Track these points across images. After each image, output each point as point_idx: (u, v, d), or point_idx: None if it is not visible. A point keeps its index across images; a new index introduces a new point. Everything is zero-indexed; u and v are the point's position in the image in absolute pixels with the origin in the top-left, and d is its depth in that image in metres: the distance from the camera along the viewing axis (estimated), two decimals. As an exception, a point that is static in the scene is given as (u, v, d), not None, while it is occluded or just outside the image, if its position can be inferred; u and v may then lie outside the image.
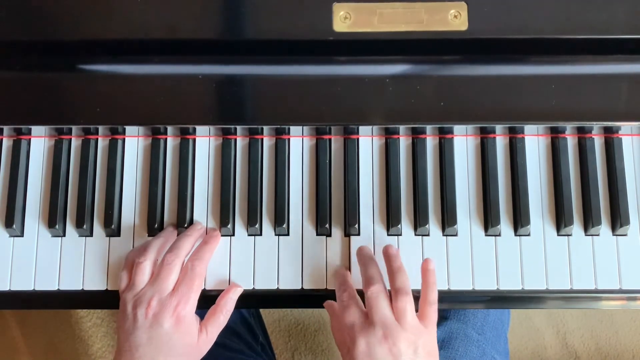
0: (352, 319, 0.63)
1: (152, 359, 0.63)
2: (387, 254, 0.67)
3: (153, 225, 0.71)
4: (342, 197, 0.72)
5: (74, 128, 0.73)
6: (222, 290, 0.69)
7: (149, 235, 0.72)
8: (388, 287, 0.65)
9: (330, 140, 0.73)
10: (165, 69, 0.69)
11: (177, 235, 0.71)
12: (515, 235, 0.71)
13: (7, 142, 0.74)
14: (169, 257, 0.66)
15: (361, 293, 0.66)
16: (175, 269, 0.66)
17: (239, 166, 0.73)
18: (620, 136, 0.72)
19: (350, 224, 0.71)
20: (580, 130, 0.73)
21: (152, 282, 0.65)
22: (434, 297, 0.65)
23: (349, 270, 0.70)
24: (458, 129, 0.73)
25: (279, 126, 0.72)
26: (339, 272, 0.69)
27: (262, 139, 0.73)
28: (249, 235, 0.72)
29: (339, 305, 0.65)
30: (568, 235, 0.71)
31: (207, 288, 0.69)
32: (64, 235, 0.72)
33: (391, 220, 0.71)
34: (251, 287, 0.71)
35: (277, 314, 1.42)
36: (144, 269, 0.66)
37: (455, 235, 0.71)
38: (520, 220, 0.70)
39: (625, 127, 0.72)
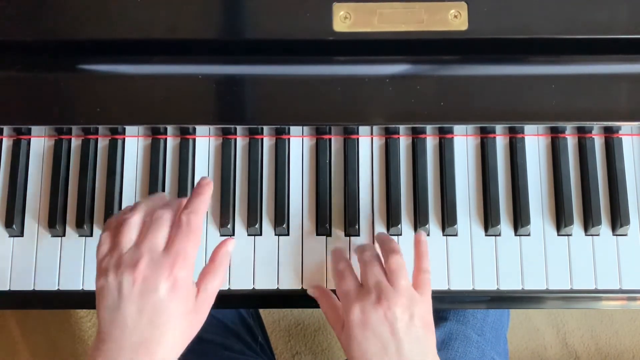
0: (347, 287, 0.62)
1: (145, 338, 0.53)
2: (379, 239, 0.68)
3: (153, 225, 0.71)
4: (342, 197, 0.72)
5: (74, 128, 0.73)
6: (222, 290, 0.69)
7: (149, 235, 0.72)
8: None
9: (330, 140, 0.73)
10: (165, 69, 0.69)
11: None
12: (516, 235, 0.71)
13: (7, 142, 0.74)
14: (160, 211, 0.58)
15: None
16: (166, 222, 0.57)
17: (239, 166, 0.73)
18: (620, 136, 0.72)
19: (350, 224, 0.71)
20: (580, 130, 0.73)
21: (139, 242, 0.56)
22: (426, 265, 0.65)
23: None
24: (458, 128, 0.73)
25: (279, 126, 0.72)
26: (336, 249, 0.69)
27: (262, 139, 0.73)
28: (249, 235, 0.72)
29: (335, 276, 0.64)
30: (568, 235, 0.71)
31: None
32: (64, 235, 0.72)
33: (391, 220, 0.71)
34: (251, 287, 0.71)
35: (277, 314, 1.42)
36: (133, 224, 0.56)
37: (455, 235, 0.71)
38: (520, 220, 0.70)
39: (625, 127, 0.72)
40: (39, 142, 0.74)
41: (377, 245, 0.69)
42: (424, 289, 0.63)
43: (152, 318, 0.53)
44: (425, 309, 0.62)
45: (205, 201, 0.60)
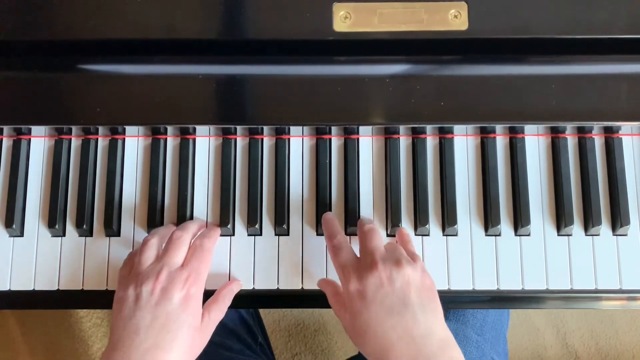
0: (343, 259, 0.62)
1: (156, 344, 0.57)
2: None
3: (153, 225, 0.71)
4: (342, 197, 0.72)
5: (74, 128, 0.73)
6: (222, 290, 0.70)
7: (149, 235, 0.72)
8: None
9: (330, 140, 0.73)
10: (165, 69, 0.69)
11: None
12: (516, 235, 0.71)
13: (7, 142, 0.74)
14: (178, 232, 0.65)
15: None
16: (184, 244, 0.65)
17: (239, 166, 0.73)
18: (620, 136, 0.72)
19: (350, 224, 0.71)
20: (580, 130, 0.73)
21: (159, 259, 0.63)
22: (412, 248, 0.66)
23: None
24: (458, 128, 0.73)
25: (279, 126, 0.72)
26: (327, 220, 0.68)
27: (262, 139, 0.73)
28: (249, 235, 0.72)
29: (330, 250, 0.65)
30: (568, 235, 0.71)
31: (207, 288, 0.69)
32: (64, 235, 0.72)
33: (391, 220, 0.71)
34: (251, 287, 0.71)
35: (277, 314, 1.42)
36: (152, 245, 0.64)
37: (456, 235, 0.71)
38: (520, 220, 0.70)
39: (625, 127, 0.72)
40: (39, 142, 0.74)
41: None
42: (416, 259, 0.63)
43: (164, 324, 0.58)
44: (421, 272, 0.60)
45: (216, 235, 0.69)
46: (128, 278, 0.63)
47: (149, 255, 0.64)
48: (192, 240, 0.67)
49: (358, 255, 0.65)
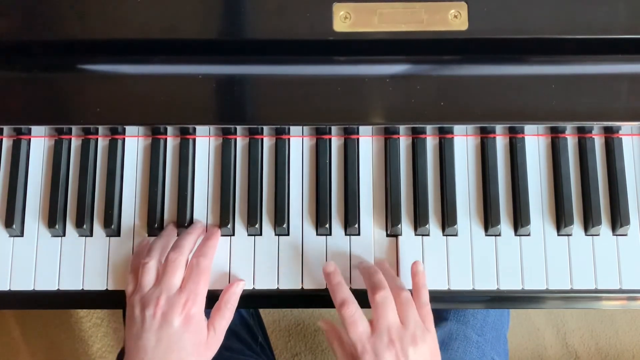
0: (358, 334, 0.62)
1: None
2: (389, 275, 0.68)
3: (153, 225, 0.71)
4: (342, 197, 0.72)
5: (74, 128, 0.73)
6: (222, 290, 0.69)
7: (148, 235, 0.72)
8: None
9: (330, 140, 0.73)
10: (165, 69, 0.69)
11: (178, 234, 0.71)
12: (516, 235, 0.71)
13: (7, 142, 0.74)
14: (173, 254, 0.66)
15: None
16: (180, 266, 0.65)
17: (239, 166, 0.73)
18: (620, 136, 0.72)
19: (350, 224, 0.71)
20: (580, 130, 0.73)
21: (158, 282, 0.65)
22: (426, 298, 0.66)
23: (349, 271, 0.70)
24: (458, 128, 0.73)
25: (279, 126, 0.72)
26: (335, 284, 0.66)
27: (262, 139, 0.73)
28: (249, 235, 0.72)
29: (343, 322, 0.64)
30: (568, 235, 0.71)
31: (209, 288, 0.69)
32: (64, 235, 0.72)
33: (391, 220, 0.71)
34: (251, 287, 0.71)
35: (277, 314, 1.42)
36: (150, 269, 0.66)
37: (456, 235, 0.71)
38: (520, 220, 0.70)
39: (625, 127, 0.72)
40: (39, 142, 0.74)
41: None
42: (427, 321, 0.65)
43: (168, 346, 0.62)
44: (433, 342, 0.64)
45: (214, 246, 0.69)
46: (133, 299, 0.65)
47: (149, 279, 0.65)
48: (191, 255, 0.68)
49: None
